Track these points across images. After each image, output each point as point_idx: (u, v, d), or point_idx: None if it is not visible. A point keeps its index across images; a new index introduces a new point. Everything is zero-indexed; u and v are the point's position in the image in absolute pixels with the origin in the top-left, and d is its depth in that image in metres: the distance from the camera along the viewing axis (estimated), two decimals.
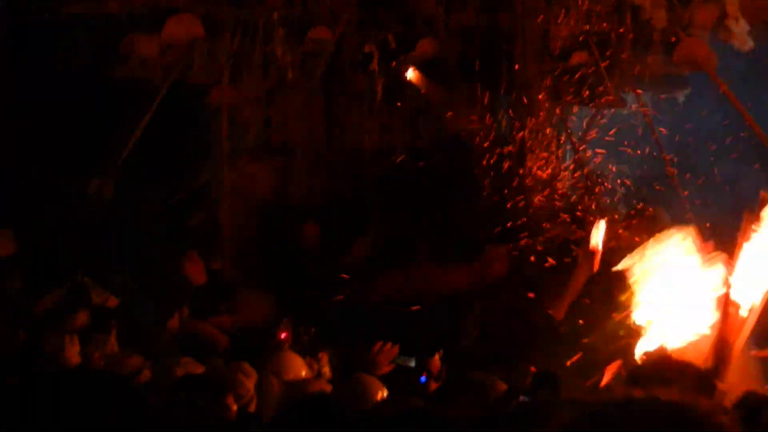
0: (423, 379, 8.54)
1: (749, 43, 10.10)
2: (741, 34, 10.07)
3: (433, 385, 8.51)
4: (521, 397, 7.09)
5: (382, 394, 7.39)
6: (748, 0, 10.16)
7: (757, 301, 7.51)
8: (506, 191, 10.88)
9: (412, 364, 8.89)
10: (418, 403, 6.86)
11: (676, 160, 11.12)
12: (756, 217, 7.64)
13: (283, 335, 9.53)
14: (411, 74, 11.99)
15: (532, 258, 10.59)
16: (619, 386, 7.12)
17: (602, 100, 11.10)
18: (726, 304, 7.51)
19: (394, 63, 11.93)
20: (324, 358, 9.10)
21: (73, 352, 8.57)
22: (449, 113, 11.87)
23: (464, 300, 10.62)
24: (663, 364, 6.58)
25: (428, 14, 11.56)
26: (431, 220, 11.24)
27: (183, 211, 11.76)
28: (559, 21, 10.96)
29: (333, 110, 12.28)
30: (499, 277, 10.69)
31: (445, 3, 11.42)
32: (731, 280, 7.63)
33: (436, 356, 8.81)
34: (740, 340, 7.55)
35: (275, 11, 11.53)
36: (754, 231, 7.68)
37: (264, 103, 12.03)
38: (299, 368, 7.99)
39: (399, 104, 12.24)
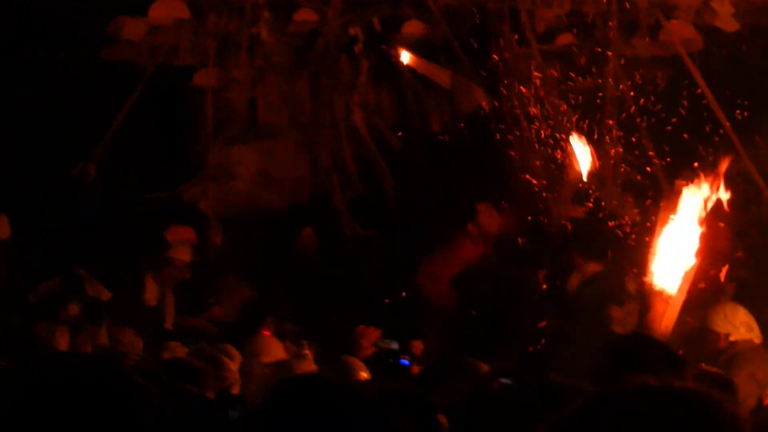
0: (405, 362, 8.56)
1: (734, 24, 10.11)
2: (725, 15, 10.08)
3: (416, 369, 8.53)
4: (502, 380, 7.09)
5: (365, 375, 7.42)
6: None
7: (674, 287, 7.62)
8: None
9: (395, 346, 8.90)
10: (396, 385, 6.89)
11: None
12: (672, 206, 7.78)
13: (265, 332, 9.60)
14: (406, 57, 11.93)
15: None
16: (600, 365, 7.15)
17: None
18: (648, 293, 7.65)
19: (384, 46, 11.91)
20: (305, 343, 9.16)
21: (63, 343, 8.61)
22: (459, 93, 11.86)
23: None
24: (636, 343, 6.61)
25: None
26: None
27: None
28: (544, 2, 10.99)
29: (319, 92, 12.26)
30: (494, 236, 10.74)
31: None
32: (651, 268, 7.76)
33: (419, 339, 8.85)
34: (665, 326, 7.66)
35: None
36: (671, 220, 7.82)
37: (250, 85, 11.99)
38: (276, 350, 8.03)
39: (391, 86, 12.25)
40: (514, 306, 10.36)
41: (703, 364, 7.27)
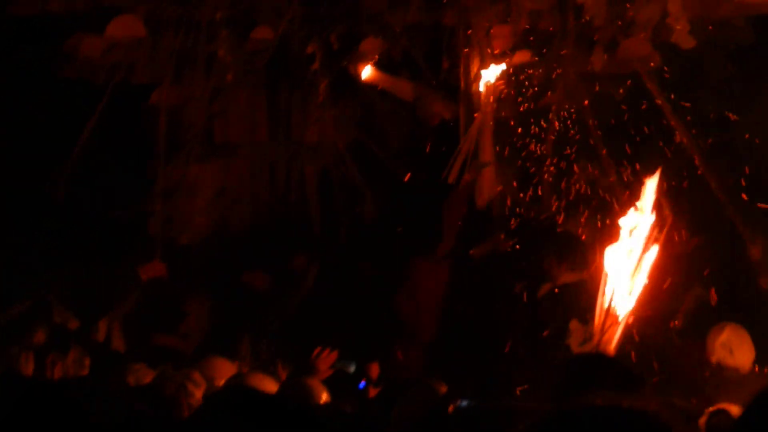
0: (362, 384, 8.55)
1: (690, 42, 10.13)
2: (682, 32, 10.10)
3: (373, 391, 8.51)
4: (459, 401, 7.07)
5: (325, 397, 7.38)
6: None
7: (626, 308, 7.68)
8: None
9: (352, 369, 8.89)
10: (350, 408, 6.87)
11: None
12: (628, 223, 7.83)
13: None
14: (367, 72, 11.92)
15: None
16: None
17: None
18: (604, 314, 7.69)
19: (345, 63, 11.91)
20: (279, 364, 9.10)
21: (28, 369, 8.54)
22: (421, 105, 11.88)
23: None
24: (594, 362, 6.61)
25: (372, 12, 11.53)
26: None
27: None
28: (501, 19, 11.00)
29: (277, 109, 12.25)
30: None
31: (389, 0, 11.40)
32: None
33: (376, 361, 8.83)
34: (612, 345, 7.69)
35: (218, 10, 11.49)
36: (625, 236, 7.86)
37: (207, 102, 11.96)
38: (230, 372, 7.99)
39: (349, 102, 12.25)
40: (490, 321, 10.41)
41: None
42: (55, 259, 10.88)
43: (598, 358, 7.00)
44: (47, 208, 11.33)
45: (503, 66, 10.90)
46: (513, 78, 11.08)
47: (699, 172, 10.50)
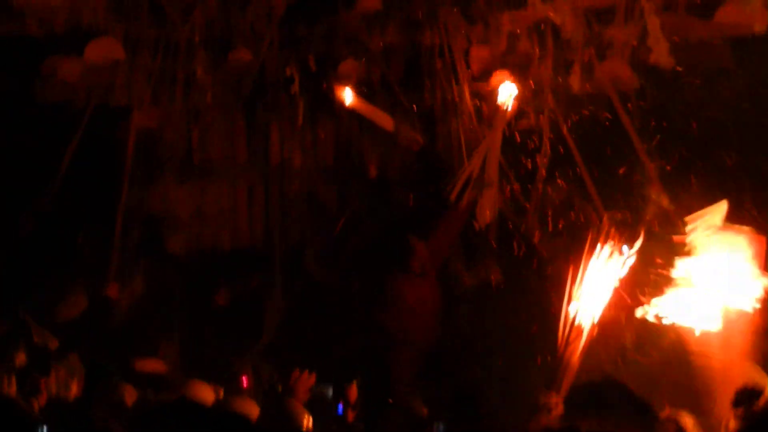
0: (340, 408, 8.51)
1: (669, 62, 10.12)
2: (662, 53, 10.09)
3: (351, 415, 8.48)
4: (437, 426, 7.07)
5: (307, 421, 7.37)
6: (669, 18, 10.18)
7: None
8: None
9: (330, 392, 8.85)
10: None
11: None
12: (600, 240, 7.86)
13: (244, 380, 9.53)
14: (349, 97, 11.90)
15: None
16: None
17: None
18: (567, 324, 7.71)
19: (325, 85, 11.90)
20: (279, 385, 9.07)
21: (10, 390, 8.50)
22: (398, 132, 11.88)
23: None
24: (602, 388, 6.63)
25: (350, 34, 11.54)
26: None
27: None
28: (479, 41, 11.02)
29: (255, 130, 12.23)
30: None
31: (366, 22, 11.40)
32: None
33: (354, 384, 8.79)
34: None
35: (196, 31, 11.48)
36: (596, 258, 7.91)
37: (186, 124, 11.93)
38: (209, 395, 7.97)
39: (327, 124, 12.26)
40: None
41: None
42: (29, 279, 10.83)
43: (611, 383, 7.03)
44: (22, 229, 11.29)
45: (515, 87, 10.84)
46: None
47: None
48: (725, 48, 10.25)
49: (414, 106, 11.74)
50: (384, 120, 11.83)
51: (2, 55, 11.25)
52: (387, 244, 11.17)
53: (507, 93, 10.80)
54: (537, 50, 10.78)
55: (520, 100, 10.87)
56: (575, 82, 10.47)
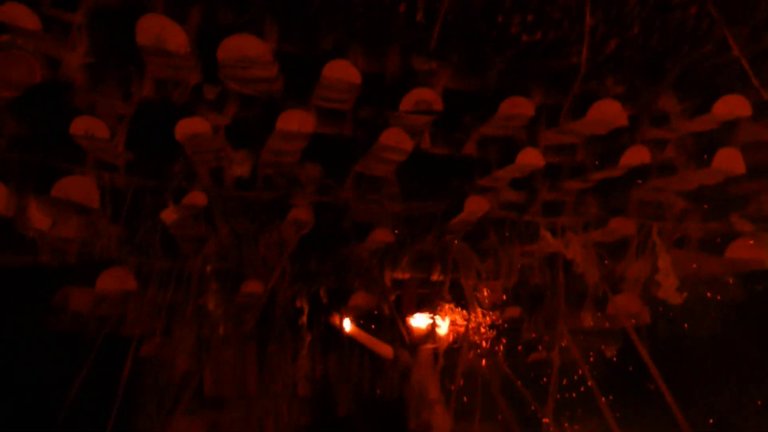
0: None
1: (678, 298, 10.14)
2: (670, 288, 10.13)
3: None
4: None
5: None
6: (681, 255, 10.26)
7: None
8: None
9: None
10: None
11: None
12: None
13: None
14: (348, 326, 12.00)
15: None
16: None
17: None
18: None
19: (335, 316, 11.97)
20: None
21: None
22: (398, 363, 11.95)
23: None
24: None
25: (362, 268, 11.62)
26: None
27: None
28: (491, 275, 11.09)
29: (265, 361, 12.22)
30: None
31: (379, 257, 11.49)
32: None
33: None
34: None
35: (209, 264, 11.53)
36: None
37: (197, 354, 11.91)
38: None
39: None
40: None
41: None
42: None
43: None
44: None
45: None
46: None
47: None
48: (737, 283, 10.31)
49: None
50: (382, 349, 11.91)
51: (13, 284, 11.32)
52: None
53: None
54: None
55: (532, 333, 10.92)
56: (586, 317, 10.51)
